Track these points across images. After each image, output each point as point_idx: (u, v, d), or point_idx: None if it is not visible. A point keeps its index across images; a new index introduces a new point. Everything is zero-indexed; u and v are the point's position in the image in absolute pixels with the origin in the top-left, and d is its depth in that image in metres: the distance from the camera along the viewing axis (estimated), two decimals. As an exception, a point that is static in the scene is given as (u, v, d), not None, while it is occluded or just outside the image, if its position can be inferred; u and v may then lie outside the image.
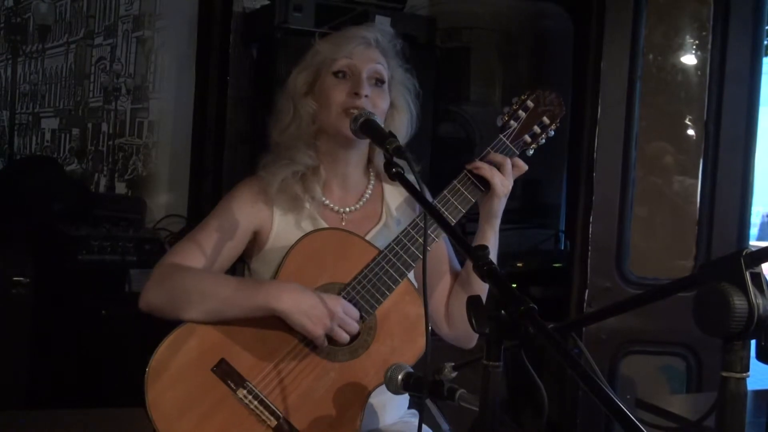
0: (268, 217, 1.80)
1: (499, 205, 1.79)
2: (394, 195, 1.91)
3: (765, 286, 1.12)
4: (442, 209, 1.73)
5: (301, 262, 1.71)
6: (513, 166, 1.79)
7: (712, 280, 1.14)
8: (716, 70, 3.09)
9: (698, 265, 3.11)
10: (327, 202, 1.83)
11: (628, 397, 2.87)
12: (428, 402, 1.93)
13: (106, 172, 3.70)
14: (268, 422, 1.63)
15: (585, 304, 2.98)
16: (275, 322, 1.64)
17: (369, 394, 1.68)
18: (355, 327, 1.66)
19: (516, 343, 1.15)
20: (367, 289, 1.69)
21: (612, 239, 3.02)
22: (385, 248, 1.72)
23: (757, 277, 1.12)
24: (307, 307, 1.61)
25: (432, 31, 3.26)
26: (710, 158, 3.11)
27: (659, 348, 3.10)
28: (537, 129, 1.82)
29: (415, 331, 1.71)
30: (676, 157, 3.19)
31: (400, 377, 1.44)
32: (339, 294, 1.69)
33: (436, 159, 3.12)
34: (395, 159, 1.50)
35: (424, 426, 1.66)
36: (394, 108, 1.85)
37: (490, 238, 1.81)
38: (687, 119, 3.19)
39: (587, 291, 2.98)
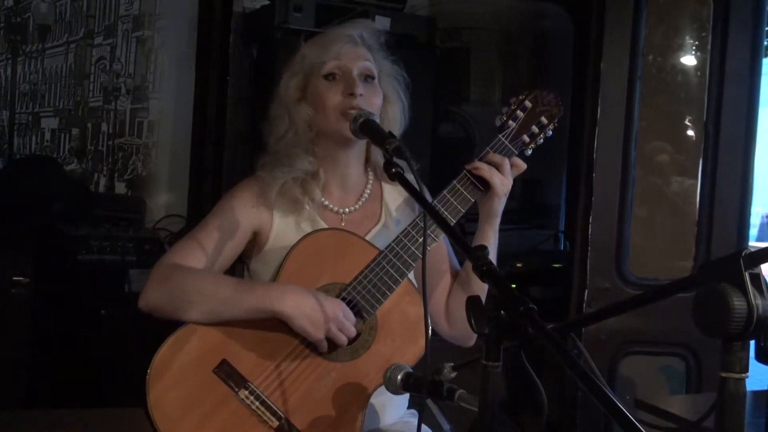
0: (268, 217, 1.80)
1: (499, 204, 1.79)
2: (393, 195, 1.91)
3: (764, 287, 1.12)
4: (442, 209, 1.73)
5: (301, 263, 1.71)
6: (512, 165, 1.79)
7: (711, 280, 1.14)
8: (716, 70, 3.09)
9: (698, 266, 3.11)
10: (326, 203, 1.83)
11: (628, 397, 2.87)
12: (429, 402, 1.93)
13: (106, 172, 3.70)
14: (270, 423, 1.63)
15: (584, 305, 2.98)
16: (276, 322, 1.64)
17: (370, 394, 1.68)
18: (353, 331, 1.66)
19: (515, 344, 1.15)
20: (367, 289, 1.69)
21: (611, 239, 3.02)
22: (386, 248, 1.72)
23: (757, 277, 1.12)
24: (309, 311, 1.62)
25: (432, 31, 3.26)
26: (710, 159, 3.11)
27: (659, 348, 3.10)
28: (535, 129, 1.82)
29: (416, 331, 1.71)
30: (675, 158, 3.20)
31: (399, 377, 1.44)
32: (340, 294, 1.69)
33: (436, 159, 3.12)
34: (395, 159, 1.50)
35: (423, 426, 1.66)
36: (386, 101, 1.85)
37: (491, 238, 1.81)
38: (687, 119, 3.19)
39: (587, 291, 2.98)
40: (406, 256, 1.71)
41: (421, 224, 1.71)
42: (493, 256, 1.82)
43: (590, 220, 2.98)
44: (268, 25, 3.03)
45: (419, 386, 1.41)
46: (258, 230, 1.81)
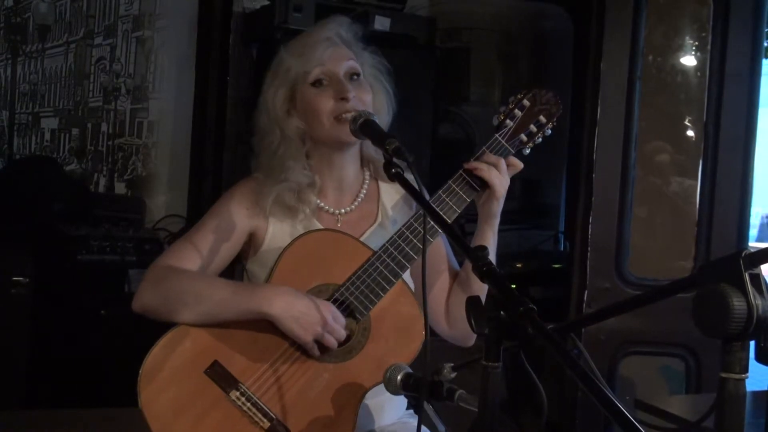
0: (263, 220, 1.80)
1: (498, 205, 1.79)
2: (390, 194, 1.90)
3: (764, 288, 1.12)
4: (438, 209, 1.73)
5: (294, 264, 1.71)
6: (508, 165, 1.78)
7: (711, 281, 1.14)
8: (716, 70, 3.09)
9: (697, 266, 3.11)
10: (322, 204, 1.83)
11: (627, 397, 2.87)
12: (423, 405, 1.93)
13: (106, 172, 3.70)
14: (261, 424, 1.63)
15: (584, 305, 2.98)
16: (269, 324, 1.64)
17: (363, 395, 1.68)
18: (342, 334, 1.65)
19: (515, 344, 1.15)
20: (361, 290, 1.68)
21: (611, 240, 3.02)
22: (380, 249, 1.71)
23: (757, 278, 1.12)
24: (298, 313, 1.61)
25: (432, 31, 3.26)
26: (710, 159, 3.11)
27: (658, 349, 3.10)
28: (533, 128, 1.81)
29: (410, 331, 1.71)
30: (675, 158, 3.20)
31: (399, 378, 1.44)
32: (333, 295, 1.69)
33: (435, 159, 3.12)
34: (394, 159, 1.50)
35: (422, 427, 1.66)
36: (373, 92, 1.84)
37: (490, 238, 1.81)
38: (686, 120, 3.19)
39: (586, 292, 2.98)
40: (400, 257, 1.70)
41: (416, 224, 1.70)
42: (492, 257, 1.82)
43: (590, 221, 2.98)
44: (268, 25, 3.03)
45: (419, 386, 1.41)
46: (254, 232, 1.81)
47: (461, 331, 1.87)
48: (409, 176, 1.48)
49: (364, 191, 1.88)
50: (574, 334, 1.44)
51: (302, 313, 1.61)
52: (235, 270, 1.91)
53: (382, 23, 3.00)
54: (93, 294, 3.08)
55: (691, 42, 3.17)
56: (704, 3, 3.10)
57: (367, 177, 1.90)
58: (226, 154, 3.26)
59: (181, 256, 1.74)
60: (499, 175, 1.75)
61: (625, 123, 3.00)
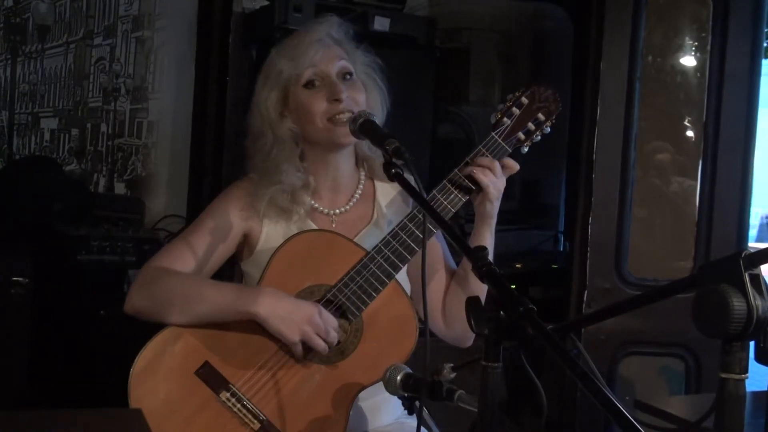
0: (258, 222, 1.80)
1: (493, 206, 1.78)
2: (386, 194, 1.90)
3: (764, 288, 1.12)
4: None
5: (286, 265, 1.70)
6: (503, 166, 1.77)
7: (711, 281, 1.14)
8: (715, 71, 3.09)
9: (697, 267, 3.10)
10: (316, 205, 1.83)
11: (627, 398, 2.87)
12: (418, 407, 1.92)
13: (106, 173, 3.70)
14: (251, 425, 1.62)
15: (584, 305, 2.98)
16: (260, 325, 1.64)
17: (355, 396, 1.67)
18: (333, 335, 1.65)
19: (515, 344, 1.15)
20: (353, 290, 1.68)
21: (611, 240, 3.02)
22: (372, 249, 1.70)
23: (756, 278, 1.12)
24: (283, 313, 1.61)
25: (431, 31, 3.25)
26: (709, 159, 3.11)
27: (658, 349, 3.09)
28: (531, 126, 1.80)
29: (403, 332, 1.70)
30: (675, 158, 3.20)
31: (398, 378, 1.44)
32: (325, 296, 1.68)
33: (435, 159, 3.12)
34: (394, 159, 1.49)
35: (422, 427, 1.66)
36: (366, 91, 1.84)
37: (487, 239, 1.80)
38: (686, 120, 3.19)
39: (586, 292, 2.98)
40: (393, 257, 1.69)
41: (410, 225, 1.70)
42: (489, 257, 1.82)
43: (590, 221, 2.98)
44: (268, 26, 3.03)
45: (418, 387, 1.41)
46: (248, 233, 1.81)
47: (459, 331, 1.86)
48: (409, 177, 1.48)
49: (360, 191, 1.88)
50: (573, 335, 1.44)
51: (288, 312, 1.61)
52: (235, 271, 1.91)
53: (381, 23, 3.00)
54: (92, 294, 3.08)
55: (691, 42, 3.17)
56: (704, 3, 3.10)
57: (363, 176, 1.89)
58: (226, 154, 3.26)
59: (175, 257, 1.74)
60: (493, 178, 1.74)
61: (625, 123, 3.00)
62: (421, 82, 3.13)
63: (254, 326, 1.65)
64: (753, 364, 1.16)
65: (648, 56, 3.08)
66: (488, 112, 1.85)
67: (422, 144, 3.08)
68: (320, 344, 1.64)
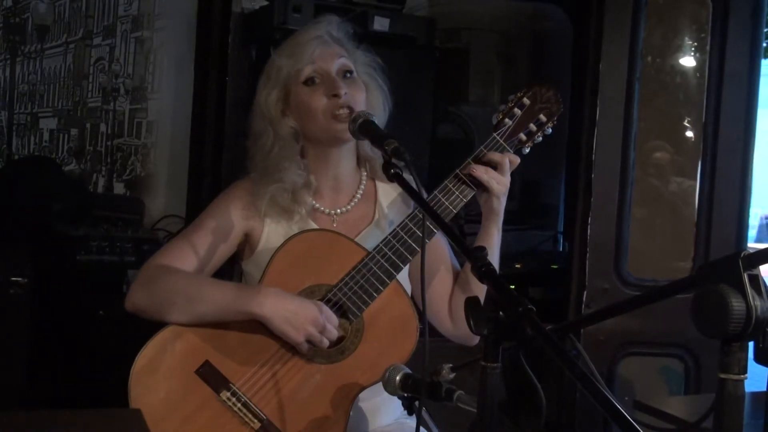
0: (259, 221, 1.80)
1: (499, 203, 1.78)
2: (387, 194, 1.89)
3: (763, 288, 1.12)
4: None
5: (286, 265, 1.70)
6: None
7: (710, 281, 1.14)
8: (715, 71, 3.09)
9: (696, 267, 3.10)
10: (317, 205, 1.83)
11: (626, 398, 2.87)
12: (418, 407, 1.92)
13: (105, 173, 3.70)
14: (252, 424, 1.62)
15: (583, 306, 2.98)
16: (260, 324, 1.64)
17: (356, 396, 1.67)
18: (334, 334, 1.65)
19: (514, 345, 1.15)
20: (354, 290, 1.68)
21: (610, 240, 3.02)
22: (373, 249, 1.70)
23: (755, 278, 1.12)
24: (288, 314, 1.61)
25: (431, 31, 3.25)
26: (709, 160, 3.11)
27: (657, 349, 3.10)
28: (533, 127, 1.80)
29: (403, 332, 1.70)
30: (674, 159, 3.20)
31: (398, 378, 1.44)
32: (326, 295, 1.68)
33: (434, 160, 3.12)
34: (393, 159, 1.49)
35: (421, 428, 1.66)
36: (368, 90, 1.84)
37: (494, 236, 1.81)
38: (686, 121, 3.19)
39: (585, 292, 2.98)
40: (394, 257, 1.69)
41: (411, 224, 1.70)
42: (496, 253, 1.82)
43: (589, 221, 2.98)
44: (267, 26, 3.03)
45: (418, 387, 1.41)
46: (249, 233, 1.81)
47: (466, 331, 1.86)
48: (408, 177, 1.48)
49: (361, 191, 1.88)
50: (573, 335, 1.44)
51: (293, 313, 1.61)
52: (235, 271, 1.91)
53: (381, 24, 3.00)
54: (92, 294, 3.07)
55: (690, 43, 3.17)
56: (703, 4, 3.10)
57: (364, 177, 1.89)
58: (225, 154, 3.26)
59: (175, 256, 1.74)
60: (497, 175, 1.74)
61: (624, 123, 3.00)
62: (421, 82, 3.13)
63: (255, 325, 1.64)
64: (752, 365, 1.16)
65: (647, 56, 3.08)
66: (488, 112, 1.85)
67: (422, 144, 3.08)
68: (325, 344, 1.64)
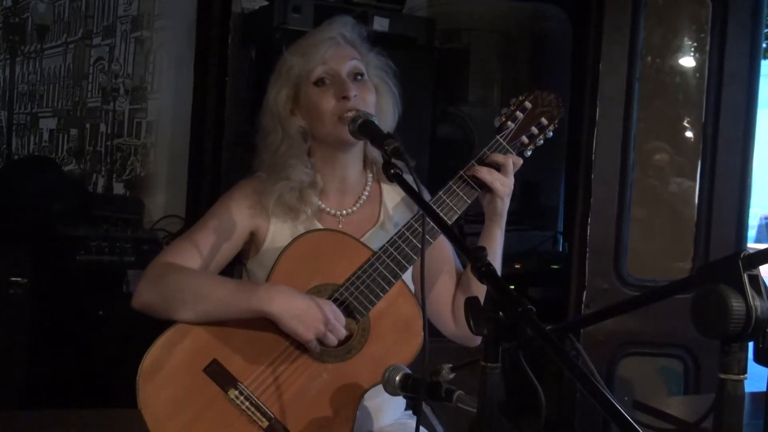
0: (265, 220, 1.80)
1: (503, 205, 1.79)
2: (393, 196, 1.90)
3: (762, 288, 1.12)
4: (437, 210, 1.73)
5: (293, 264, 1.71)
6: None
7: (709, 282, 1.14)
8: (714, 72, 3.09)
9: (696, 267, 3.11)
10: (323, 206, 1.83)
11: (626, 398, 2.87)
12: (424, 404, 1.93)
13: (104, 173, 3.70)
14: (260, 423, 1.63)
15: (583, 306, 2.98)
16: (268, 323, 1.64)
17: (362, 395, 1.68)
18: (343, 332, 1.65)
19: (514, 345, 1.15)
20: (360, 290, 1.68)
21: (610, 241, 3.02)
22: (379, 249, 1.71)
23: (755, 279, 1.12)
24: (299, 312, 1.61)
25: (431, 32, 3.26)
26: (708, 160, 3.11)
27: (657, 350, 3.10)
28: (535, 130, 1.82)
29: (409, 332, 1.71)
30: (674, 159, 3.20)
31: (397, 378, 1.44)
32: (332, 295, 1.69)
33: (434, 160, 3.12)
34: (393, 160, 1.50)
35: (420, 428, 1.66)
36: (378, 93, 1.84)
37: (497, 236, 1.81)
38: (685, 121, 3.19)
39: (585, 292, 2.98)
40: (400, 258, 1.70)
41: (416, 225, 1.71)
42: (499, 254, 1.83)
43: (589, 222, 2.98)
44: (267, 26, 3.03)
45: (417, 387, 1.41)
46: (255, 232, 1.81)
47: (468, 331, 1.86)
48: (408, 177, 1.48)
49: (366, 193, 1.88)
50: (572, 335, 1.44)
51: (303, 311, 1.61)
52: (234, 270, 1.91)
53: (380, 24, 3.00)
54: (91, 294, 3.08)
55: (690, 43, 3.17)
56: (703, 4, 3.10)
57: (370, 179, 1.90)
58: (225, 154, 3.26)
59: (182, 254, 1.74)
60: (501, 177, 1.75)
61: (624, 124, 3.00)
62: (421, 83, 3.13)
63: (262, 324, 1.65)
64: (752, 365, 1.16)
65: (647, 57, 3.08)
66: (487, 113, 1.86)
67: (421, 144, 3.08)
68: (332, 341, 1.64)
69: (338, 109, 1.75)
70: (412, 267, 1.74)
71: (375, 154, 1.88)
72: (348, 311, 1.68)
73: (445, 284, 1.88)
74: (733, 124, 3.10)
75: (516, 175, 1.81)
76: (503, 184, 1.75)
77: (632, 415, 0.94)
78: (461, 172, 1.76)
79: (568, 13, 3.76)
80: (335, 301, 1.68)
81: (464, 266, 1.90)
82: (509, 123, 1.80)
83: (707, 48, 3.10)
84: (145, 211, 3.61)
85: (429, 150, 3.14)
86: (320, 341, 1.64)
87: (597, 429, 3.01)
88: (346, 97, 1.75)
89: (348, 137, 1.72)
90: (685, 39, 3.18)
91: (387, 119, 1.83)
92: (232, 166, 3.23)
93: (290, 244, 1.71)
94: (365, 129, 1.64)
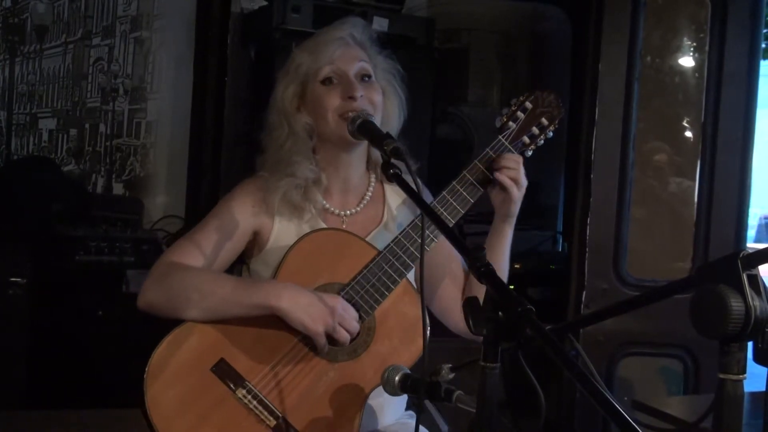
0: (269, 219, 1.80)
1: (516, 207, 1.81)
2: (395, 196, 1.91)
3: (762, 288, 1.12)
4: (441, 210, 1.73)
5: (300, 263, 1.71)
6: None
7: (709, 281, 1.14)
8: (714, 72, 3.09)
9: (695, 267, 3.11)
10: (328, 206, 1.83)
11: (626, 398, 2.87)
12: (428, 402, 1.93)
13: (104, 173, 3.70)
14: (267, 422, 1.63)
15: (582, 306, 2.98)
16: (275, 321, 1.64)
17: (368, 394, 1.68)
18: (355, 326, 1.66)
19: (514, 345, 1.15)
20: (366, 289, 1.69)
21: (609, 241, 3.02)
22: (384, 249, 1.72)
23: (754, 278, 1.12)
24: (306, 306, 1.61)
25: (430, 32, 3.26)
26: (707, 160, 3.11)
27: (657, 350, 3.10)
28: (535, 130, 1.83)
29: (414, 331, 1.71)
30: (673, 159, 3.20)
31: (397, 378, 1.45)
32: (338, 294, 1.69)
33: (434, 160, 3.12)
34: (393, 160, 1.50)
35: (421, 427, 1.66)
36: (384, 96, 1.85)
37: (508, 235, 1.84)
38: (684, 121, 3.19)
39: (585, 292, 2.99)
40: (405, 257, 1.71)
41: (420, 225, 1.71)
42: (508, 253, 1.85)
43: (588, 222, 2.98)
44: (266, 26, 3.03)
45: (417, 387, 1.41)
46: (258, 231, 1.81)
47: None
48: (408, 177, 1.48)
49: (370, 193, 1.89)
50: (572, 335, 1.44)
51: (310, 304, 1.61)
52: (235, 270, 1.91)
53: (380, 24, 3.00)
54: (90, 295, 3.07)
55: (689, 43, 3.17)
56: (702, 4, 3.10)
57: (373, 179, 1.90)
58: (225, 154, 3.26)
59: (186, 253, 1.74)
60: (517, 179, 1.75)
61: (623, 124, 3.00)
62: (420, 83, 3.13)
63: (269, 322, 1.65)
64: (751, 365, 1.16)
65: (646, 57, 3.08)
66: (487, 113, 1.86)
67: (421, 144, 3.08)
68: (344, 335, 1.64)
69: (342, 107, 1.75)
70: (415, 266, 1.74)
71: (378, 155, 1.88)
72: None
73: (452, 281, 1.89)
74: (732, 124, 3.10)
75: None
76: (519, 187, 1.76)
77: (632, 415, 0.94)
78: (464, 172, 1.77)
79: (568, 14, 3.76)
80: None
81: None
82: (510, 123, 1.81)
83: (706, 48, 3.11)
84: (144, 211, 3.60)
85: (428, 150, 3.14)
86: (330, 338, 1.64)
87: (596, 429, 3.01)
88: (352, 97, 1.75)
89: (348, 137, 1.72)
90: (685, 39, 3.18)
91: (392, 122, 1.84)
92: (232, 167, 3.23)
93: (296, 242, 1.72)
94: (364, 129, 1.65)
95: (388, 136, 1.55)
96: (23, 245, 3.03)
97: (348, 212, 1.85)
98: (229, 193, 1.84)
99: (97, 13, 3.67)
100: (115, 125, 3.70)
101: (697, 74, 3.15)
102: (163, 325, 1.67)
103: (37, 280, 2.94)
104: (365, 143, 1.81)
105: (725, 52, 3.07)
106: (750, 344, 1.14)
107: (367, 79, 1.81)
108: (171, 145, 3.71)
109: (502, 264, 1.84)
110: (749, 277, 1.12)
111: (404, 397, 1.87)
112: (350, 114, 1.72)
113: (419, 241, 1.70)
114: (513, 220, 1.83)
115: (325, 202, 1.83)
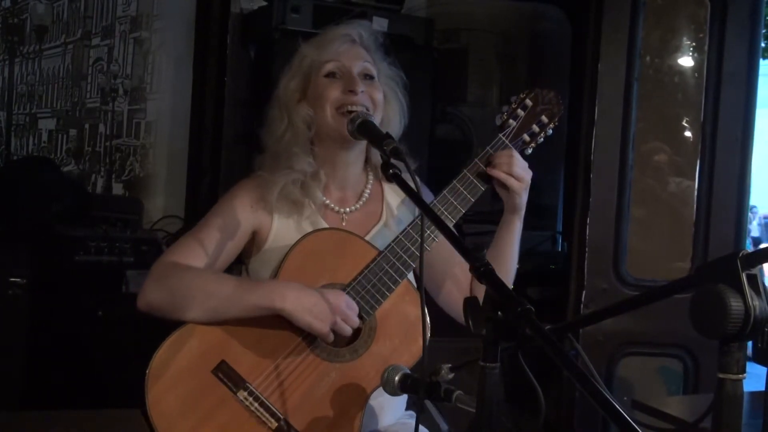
0: (268, 218, 1.80)
1: (521, 200, 1.81)
2: (394, 195, 1.91)
3: (761, 288, 1.12)
4: (441, 209, 1.74)
5: (301, 262, 1.71)
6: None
7: (708, 281, 1.14)
8: (713, 71, 3.09)
9: (695, 267, 3.11)
10: (327, 202, 1.84)
11: (625, 398, 2.87)
12: (428, 402, 1.93)
13: (104, 173, 3.70)
14: (269, 423, 1.63)
15: (582, 306, 2.98)
16: (276, 322, 1.64)
17: (369, 394, 1.68)
18: (356, 321, 1.66)
19: (513, 345, 1.15)
20: (366, 289, 1.69)
21: (609, 241, 3.02)
22: (385, 249, 1.72)
23: (754, 278, 1.12)
24: (310, 305, 1.61)
25: (430, 32, 3.26)
26: (707, 160, 3.11)
27: (656, 349, 3.10)
28: (536, 128, 1.83)
29: (415, 331, 1.71)
30: (673, 159, 3.20)
31: (396, 378, 1.45)
32: None
33: (433, 160, 3.12)
34: (392, 160, 1.50)
35: (421, 427, 1.66)
36: (386, 101, 1.86)
37: (517, 226, 1.85)
38: (684, 121, 3.19)
39: (584, 292, 2.98)
40: (405, 257, 1.71)
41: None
42: (517, 245, 1.87)
43: (588, 221, 2.98)
44: (266, 26, 3.03)
45: (417, 387, 1.41)
46: (257, 230, 1.81)
47: None
48: (407, 177, 1.48)
49: (368, 191, 1.89)
50: (571, 335, 1.44)
51: (315, 304, 1.61)
52: (233, 271, 1.91)
53: (379, 24, 3.00)
54: (90, 295, 3.07)
55: (689, 43, 3.17)
56: (701, 4, 3.10)
57: (371, 178, 1.91)
58: (224, 154, 3.26)
59: (186, 253, 1.74)
60: (518, 173, 1.75)
61: (623, 124, 3.00)
62: (419, 83, 3.13)
63: (269, 323, 1.65)
64: (751, 364, 1.16)
65: (646, 57, 3.08)
66: (486, 113, 1.87)
67: (420, 144, 3.08)
68: (348, 331, 1.64)
69: (342, 100, 1.76)
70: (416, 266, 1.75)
71: (376, 155, 1.89)
72: None
73: (457, 278, 1.89)
74: (731, 124, 3.10)
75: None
76: (520, 180, 1.76)
77: (631, 415, 0.94)
78: (465, 171, 1.77)
79: (567, 13, 3.76)
80: None
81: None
82: (511, 121, 1.82)
83: (706, 48, 3.10)
84: (144, 211, 3.60)
85: (428, 150, 3.14)
86: (336, 333, 1.64)
87: (596, 429, 3.01)
88: (352, 91, 1.76)
89: (346, 133, 1.72)
90: (684, 39, 3.17)
91: (393, 128, 1.84)
92: (231, 167, 3.23)
93: (297, 243, 1.72)
94: (364, 129, 1.65)
95: (387, 136, 1.55)
96: (23, 245, 3.03)
97: (347, 209, 1.85)
98: (227, 193, 1.84)
99: (97, 13, 3.67)
100: (115, 125, 3.69)
101: (696, 74, 3.15)
102: (162, 325, 1.67)
103: (36, 280, 2.94)
104: (363, 143, 1.81)
105: (725, 51, 3.07)
106: (749, 344, 1.14)
107: (369, 78, 1.82)
108: (170, 145, 3.71)
109: (510, 256, 1.84)
110: (749, 276, 1.12)
111: (404, 397, 1.87)
112: (349, 108, 1.72)
113: (419, 240, 1.70)
114: (521, 213, 1.83)
115: (324, 198, 1.83)
